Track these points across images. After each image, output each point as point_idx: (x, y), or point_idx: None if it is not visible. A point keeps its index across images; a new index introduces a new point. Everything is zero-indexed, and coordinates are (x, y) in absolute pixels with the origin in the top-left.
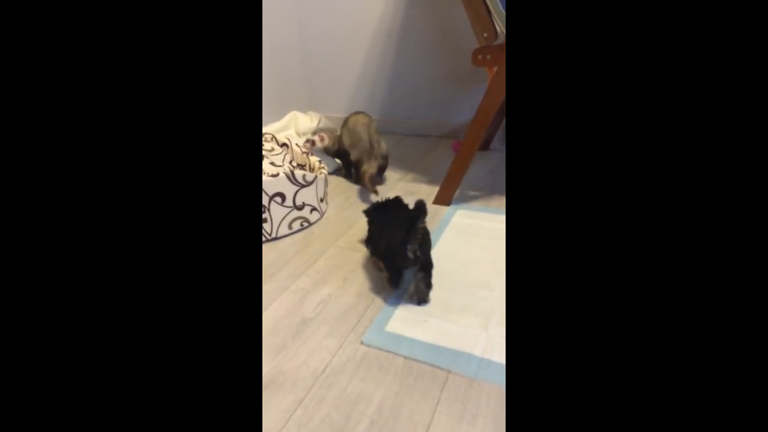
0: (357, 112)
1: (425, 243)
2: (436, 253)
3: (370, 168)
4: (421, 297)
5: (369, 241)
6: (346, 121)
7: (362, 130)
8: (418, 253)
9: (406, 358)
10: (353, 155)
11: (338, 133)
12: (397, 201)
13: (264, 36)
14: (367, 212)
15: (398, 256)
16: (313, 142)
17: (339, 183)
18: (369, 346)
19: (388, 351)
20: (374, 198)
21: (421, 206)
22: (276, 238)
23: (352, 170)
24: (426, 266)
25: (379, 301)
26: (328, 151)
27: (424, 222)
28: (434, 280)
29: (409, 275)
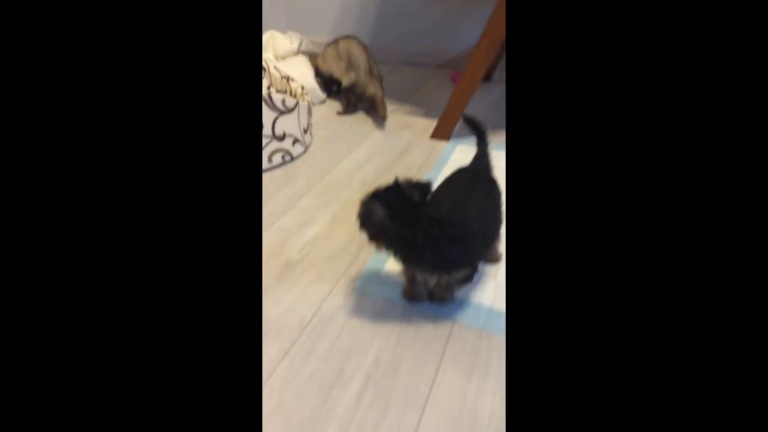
0: (347, 36)
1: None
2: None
3: (377, 90)
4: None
5: None
6: (334, 45)
7: (358, 52)
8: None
9: (404, 306)
10: (349, 79)
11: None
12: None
13: None
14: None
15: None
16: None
17: (324, 115)
18: (363, 293)
19: (384, 298)
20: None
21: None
22: None
23: (346, 98)
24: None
25: None
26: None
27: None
28: None
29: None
